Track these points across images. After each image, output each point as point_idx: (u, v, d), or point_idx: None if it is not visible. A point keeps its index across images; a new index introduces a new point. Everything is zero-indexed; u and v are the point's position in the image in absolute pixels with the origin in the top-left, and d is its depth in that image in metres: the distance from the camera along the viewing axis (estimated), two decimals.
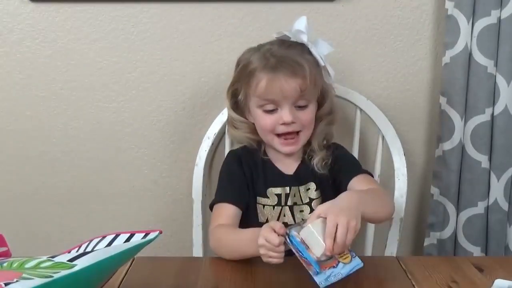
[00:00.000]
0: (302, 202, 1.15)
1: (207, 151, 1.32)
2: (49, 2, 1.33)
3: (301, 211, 1.15)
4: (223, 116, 1.32)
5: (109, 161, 1.43)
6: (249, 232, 0.97)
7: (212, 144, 1.33)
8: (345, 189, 1.11)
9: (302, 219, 1.07)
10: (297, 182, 1.16)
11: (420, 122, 1.43)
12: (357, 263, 0.89)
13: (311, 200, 1.15)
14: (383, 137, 1.31)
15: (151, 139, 1.42)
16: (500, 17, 1.27)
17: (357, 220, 0.86)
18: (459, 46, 1.29)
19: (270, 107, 1.09)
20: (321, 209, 0.87)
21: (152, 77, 1.38)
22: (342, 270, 0.87)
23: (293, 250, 0.86)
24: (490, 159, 1.34)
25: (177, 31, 1.36)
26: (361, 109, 1.32)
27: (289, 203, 1.14)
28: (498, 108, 1.31)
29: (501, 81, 1.30)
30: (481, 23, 1.27)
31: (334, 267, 0.87)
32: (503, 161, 1.33)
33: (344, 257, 0.89)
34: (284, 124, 1.09)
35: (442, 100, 1.34)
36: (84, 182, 1.44)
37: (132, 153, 1.43)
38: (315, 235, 0.85)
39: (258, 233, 0.89)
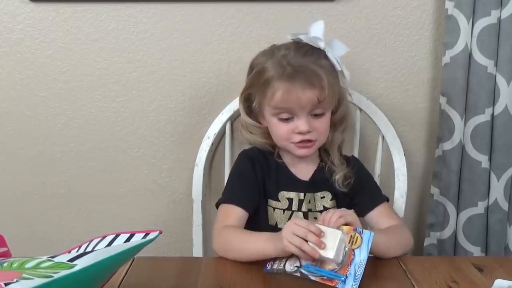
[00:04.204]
0: (316, 210, 1.13)
1: (207, 151, 1.32)
2: (49, 2, 1.33)
3: (315, 218, 1.12)
4: (223, 116, 1.32)
5: (109, 161, 1.43)
6: (265, 233, 0.97)
7: (212, 144, 1.33)
8: (363, 215, 1.13)
9: None
10: (313, 188, 1.14)
11: (420, 122, 1.43)
12: (368, 235, 0.89)
13: (325, 208, 1.13)
14: (383, 137, 1.31)
15: (151, 139, 1.42)
16: (500, 17, 1.27)
17: (354, 218, 0.94)
18: (459, 46, 1.29)
19: (285, 115, 1.08)
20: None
21: (152, 77, 1.38)
22: (361, 255, 0.88)
23: (313, 277, 0.88)
24: (490, 159, 1.34)
25: (177, 31, 1.36)
26: (361, 109, 1.32)
27: (303, 209, 1.12)
28: (498, 108, 1.31)
29: (501, 81, 1.30)
30: (481, 23, 1.27)
31: (353, 259, 0.87)
32: (503, 161, 1.33)
33: (355, 242, 0.89)
34: (300, 133, 1.07)
35: (442, 100, 1.34)
36: (84, 182, 1.44)
37: (132, 153, 1.43)
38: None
39: (275, 234, 0.92)
